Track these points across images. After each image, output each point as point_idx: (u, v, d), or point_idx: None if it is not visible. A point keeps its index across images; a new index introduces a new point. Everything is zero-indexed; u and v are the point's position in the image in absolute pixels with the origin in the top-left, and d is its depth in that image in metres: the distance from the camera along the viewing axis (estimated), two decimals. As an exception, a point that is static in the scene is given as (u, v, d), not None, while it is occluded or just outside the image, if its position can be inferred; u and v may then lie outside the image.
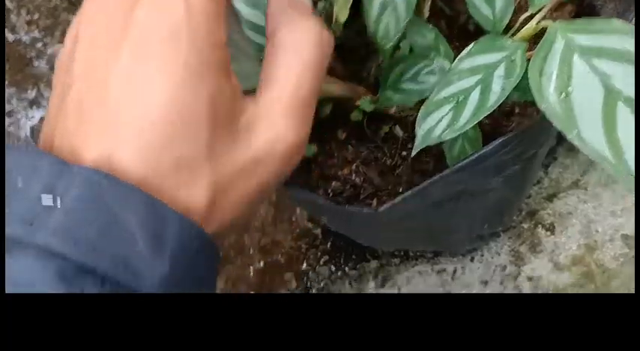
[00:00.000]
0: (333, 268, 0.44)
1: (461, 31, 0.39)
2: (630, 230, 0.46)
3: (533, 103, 0.38)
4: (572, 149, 0.49)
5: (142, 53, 0.19)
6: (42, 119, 0.47)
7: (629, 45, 0.24)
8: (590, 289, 0.44)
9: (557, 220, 0.46)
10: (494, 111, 0.32)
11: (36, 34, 0.48)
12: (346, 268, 0.45)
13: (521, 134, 0.30)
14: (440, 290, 0.44)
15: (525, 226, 0.46)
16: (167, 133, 0.19)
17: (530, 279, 0.44)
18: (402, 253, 0.44)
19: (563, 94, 0.24)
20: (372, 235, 0.40)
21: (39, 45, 0.49)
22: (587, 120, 0.23)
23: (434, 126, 0.26)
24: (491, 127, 0.36)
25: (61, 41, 0.48)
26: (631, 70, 0.24)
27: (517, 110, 0.37)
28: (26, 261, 0.17)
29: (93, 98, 0.19)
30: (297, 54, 0.22)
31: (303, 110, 0.22)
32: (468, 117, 0.26)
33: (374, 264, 0.44)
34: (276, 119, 0.21)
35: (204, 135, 0.19)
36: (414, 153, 0.26)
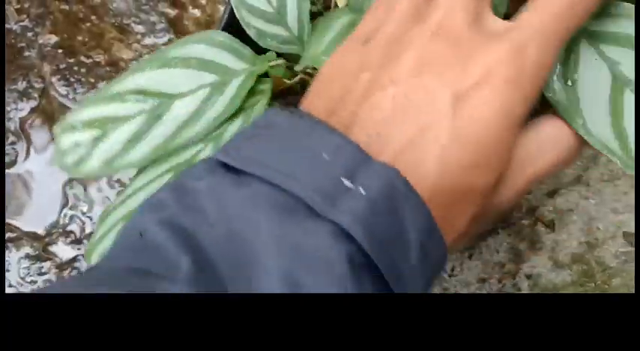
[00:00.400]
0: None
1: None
2: (632, 227, 0.45)
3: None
4: (574, 144, 0.48)
5: (484, 84, 0.20)
6: (32, 110, 0.47)
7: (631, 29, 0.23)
8: (590, 287, 0.43)
9: (558, 216, 0.45)
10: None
11: (26, 23, 0.47)
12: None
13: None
14: (437, 289, 0.43)
15: (525, 222, 0.45)
16: (473, 160, 0.20)
17: (528, 277, 0.44)
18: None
19: (570, 82, 0.23)
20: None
21: (29, 34, 0.48)
22: (594, 109, 0.22)
23: None
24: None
25: (52, 31, 0.47)
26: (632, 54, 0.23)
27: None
28: (319, 233, 0.17)
29: (420, 103, 0.20)
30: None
31: (530, 186, 0.23)
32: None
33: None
34: (518, 178, 0.22)
35: (496, 175, 0.21)
36: None
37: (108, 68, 0.46)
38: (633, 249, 0.44)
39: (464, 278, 0.44)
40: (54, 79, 0.45)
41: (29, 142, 0.46)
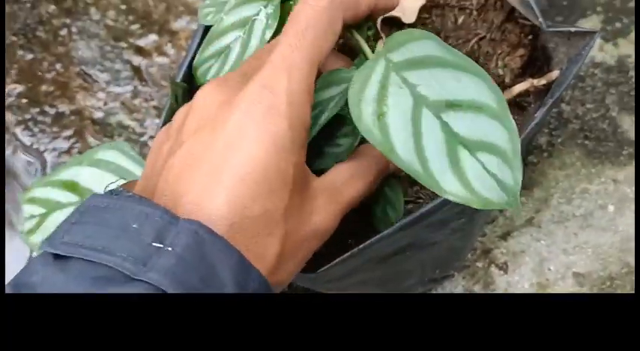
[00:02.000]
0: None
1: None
2: (582, 268, 0.47)
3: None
4: (526, 187, 0.49)
5: (247, 122, 0.23)
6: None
7: (430, 48, 0.24)
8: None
9: (511, 258, 0.47)
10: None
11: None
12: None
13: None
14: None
15: (479, 264, 0.47)
16: (256, 190, 0.23)
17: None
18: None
19: (380, 115, 0.24)
20: (323, 288, 0.40)
21: (-5, 82, 0.48)
22: (400, 134, 0.23)
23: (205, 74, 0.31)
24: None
25: (16, 81, 0.47)
26: (436, 73, 0.24)
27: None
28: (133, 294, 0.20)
29: (199, 155, 0.23)
30: (372, 164, 0.27)
31: (347, 208, 0.27)
32: (231, 65, 0.30)
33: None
34: (330, 205, 0.26)
35: (284, 197, 0.23)
36: None
37: (72, 117, 0.46)
38: (583, 289, 0.46)
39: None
40: (18, 130, 0.45)
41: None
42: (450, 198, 0.23)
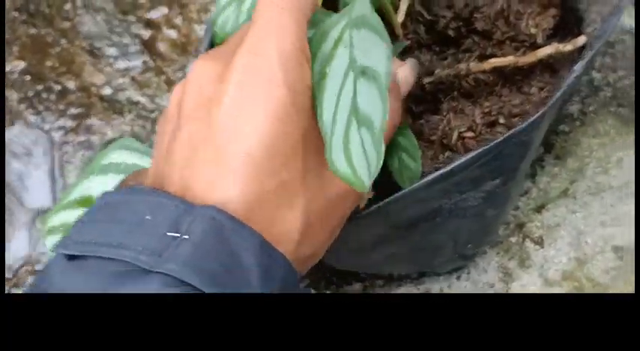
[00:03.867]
0: (313, 292, 0.42)
1: (440, 36, 0.37)
2: (621, 241, 0.44)
3: (518, 114, 0.37)
4: (559, 157, 0.47)
5: (243, 95, 0.22)
6: None
7: (367, 10, 0.23)
8: (581, 305, 0.42)
9: (546, 232, 0.44)
10: (474, 123, 0.30)
11: (-6, 48, 0.46)
12: (328, 292, 0.43)
13: (496, 148, 0.28)
14: (426, 311, 0.42)
15: (513, 240, 0.44)
16: (266, 163, 0.21)
17: (519, 296, 0.43)
18: (386, 275, 0.42)
19: (321, 78, 0.23)
20: (352, 263, 0.38)
21: (-3, 60, 0.46)
22: (329, 99, 0.22)
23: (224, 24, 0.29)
24: (474, 139, 0.34)
25: (20, 57, 0.45)
26: (366, 34, 0.22)
27: (501, 120, 0.36)
28: (151, 288, 0.19)
29: (201, 136, 0.22)
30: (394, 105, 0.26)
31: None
32: (246, 13, 0.28)
33: (357, 286, 0.42)
34: None
35: (299, 165, 0.22)
36: None
37: (79, 94, 0.44)
38: (622, 263, 0.43)
39: (453, 299, 0.43)
40: (22, 107, 0.43)
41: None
42: (339, 176, 0.21)
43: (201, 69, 0.24)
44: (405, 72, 0.28)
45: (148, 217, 0.20)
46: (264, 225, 0.21)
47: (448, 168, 0.27)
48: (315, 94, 0.23)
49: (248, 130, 0.21)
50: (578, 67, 0.30)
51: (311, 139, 0.23)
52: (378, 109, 0.21)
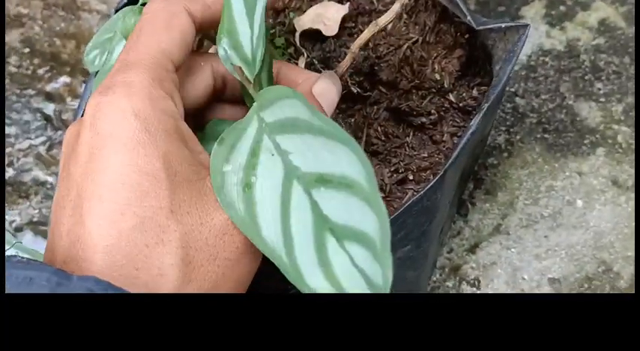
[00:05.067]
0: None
1: (345, 94, 0.36)
2: (557, 273, 0.43)
3: (427, 167, 0.36)
4: (489, 192, 0.46)
5: (93, 137, 0.21)
6: None
7: (300, 110, 0.20)
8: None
9: (482, 272, 0.43)
10: (384, 183, 0.28)
11: None
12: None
13: (396, 220, 0.27)
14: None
15: (449, 284, 0.43)
16: (125, 196, 0.20)
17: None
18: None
19: (247, 188, 0.20)
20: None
21: None
22: (267, 212, 0.19)
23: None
24: (384, 200, 0.33)
25: None
26: (307, 139, 0.20)
27: (410, 177, 0.34)
28: None
29: (65, 193, 0.21)
30: None
31: None
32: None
33: None
34: None
35: (162, 194, 0.20)
36: None
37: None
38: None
39: None
40: None
41: None
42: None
43: (67, 132, 0.23)
44: (321, 86, 0.25)
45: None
46: (133, 266, 0.19)
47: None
48: (241, 207, 0.20)
49: (97, 173, 0.20)
50: (474, 123, 0.29)
51: (177, 168, 0.21)
52: (369, 220, 0.18)
